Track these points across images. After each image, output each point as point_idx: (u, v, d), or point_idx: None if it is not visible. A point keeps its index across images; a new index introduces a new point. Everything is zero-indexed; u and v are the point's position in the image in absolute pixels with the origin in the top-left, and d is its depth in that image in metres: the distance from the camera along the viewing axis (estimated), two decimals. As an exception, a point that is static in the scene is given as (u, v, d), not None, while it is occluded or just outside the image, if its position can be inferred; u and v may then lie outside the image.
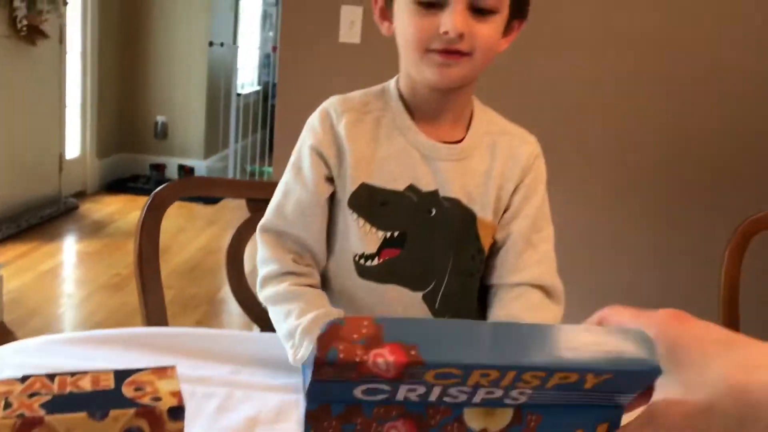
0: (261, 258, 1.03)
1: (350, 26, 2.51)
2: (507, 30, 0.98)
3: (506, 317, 0.97)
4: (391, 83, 1.06)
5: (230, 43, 5.83)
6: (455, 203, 1.01)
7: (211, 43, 5.39)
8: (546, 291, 1.01)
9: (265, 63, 7.02)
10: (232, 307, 3.17)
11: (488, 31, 0.94)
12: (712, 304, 1.47)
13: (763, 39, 2.50)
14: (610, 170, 2.63)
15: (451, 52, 0.93)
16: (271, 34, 7.05)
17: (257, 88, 6.80)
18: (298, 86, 2.58)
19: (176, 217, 4.51)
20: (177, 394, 0.42)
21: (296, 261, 1.02)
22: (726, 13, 2.48)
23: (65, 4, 4.24)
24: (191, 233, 4.29)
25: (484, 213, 1.02)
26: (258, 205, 1.30)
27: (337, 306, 1.07)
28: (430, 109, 1.02)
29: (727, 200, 2.57)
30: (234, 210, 4.63)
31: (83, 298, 3.29)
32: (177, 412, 0.41)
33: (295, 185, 1.03)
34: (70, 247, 4.04)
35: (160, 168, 5.29)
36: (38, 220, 4.16)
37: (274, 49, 5.77)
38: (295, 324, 0.93)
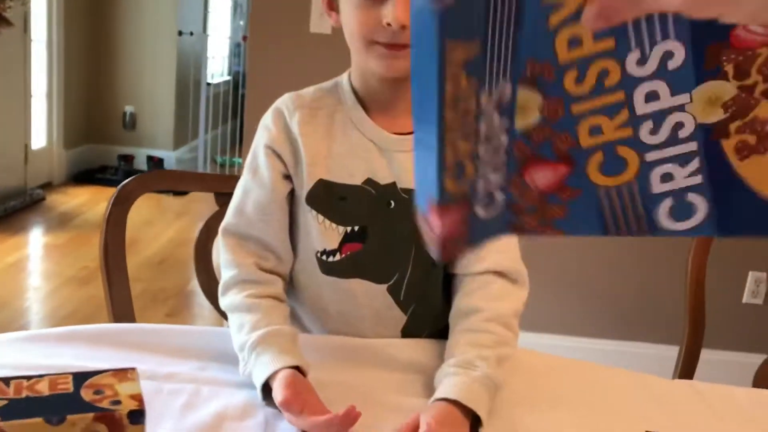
0: (223, 261, 1.02)
1: (321, 16, 2.49)
2: None
3: (468, 307, 0.98)
4: (344, 77, 1.05)
5: (200, 32, 5.75)
6: (414, 194, 1.01)
7: (180, 33, 5.32)
8: (509, 277, 1.01)
9: (236, 52, 6.94)
10: (202, 300, 3.14)
11: None
12: (680, 287, 1.51)
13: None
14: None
15: (396, 44, 0.92)
16: (241, 23, 6.97)
17: (227, 78, 6.73)
18: (268, 76, 2.56)
19: (145, 208, 4.46)
20: (137, 397, 0.41)
21: (258, 266, 1.01)
22: None
23: (29, -9, 4.16)
24: (160, 225, 4.24)
25: None
26: (226, 199, 1.28)
27: (303, 303, 1.07)
28: (383, 101, 1.01)
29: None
30: (203, 201, 4.58)
31: (50, 291, 3.24)
32: (137, 416, 0.40)
33: (253, 185, 1.02)
34: (36, 240, 3.98)
35: (128, 159, 5.21)
36: (3, 212, 4.08)
37: (245, 38, 5.71)
38: (245, 339, 0.92)
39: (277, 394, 0.83)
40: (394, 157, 1.00)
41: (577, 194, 0.46)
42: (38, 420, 0.38)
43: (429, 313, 1.05)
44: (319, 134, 1.01)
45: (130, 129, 5.40)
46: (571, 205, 0.47)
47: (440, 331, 1.03)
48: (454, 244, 0.45)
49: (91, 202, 4.60)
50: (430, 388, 0.91)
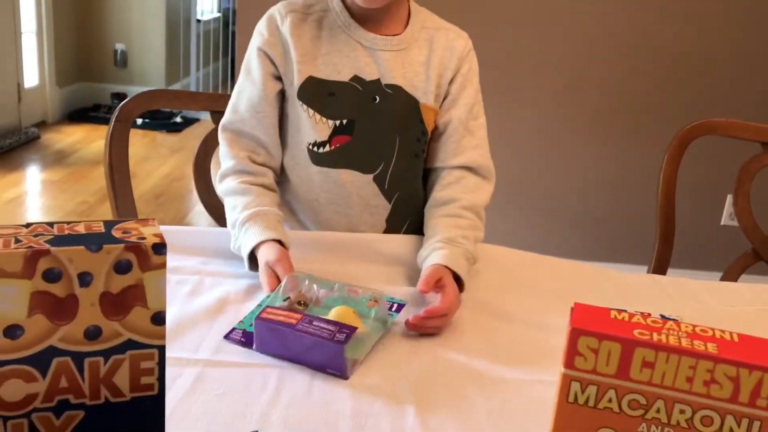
0: (221, 154, 1.14)
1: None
2: None
3: (447, 197, 1.09)
4: None
5: (188, -33, 5.69)
6: (398, 90, 1.10)
7: (168, -32, 5.27)
8: (481, 172, 1.13)
9: (225, -11, 6.87)
10: (200, 231, 3.23)
11: None
12: (651, 206, 1.58)
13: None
14: (557, 83, 2.72)
15: None
16: (230, -41, 6.88)
17: (217, 14, 6.68)
18: (258, 11, 2.58)
19: (140, 145, 4.51)
20: (159, 236, 0.50)
21: (251, 159, 1.11)
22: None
23: (15, -74, 4.11)
24: (156, 161, 4.30)
25: (426, 99, 1.12)
26: (221, 117, 1.36)
27: (297, 196, 1.16)
28: (368, 11, 1.09)
29: (671, 110, 2.69)
30: (198, 138, 4.61)
31: (50, 224, 3.32)
32: (160, 248, 0.49)
33: (246, 84, 1.12)
34: (33, 177, 4.04)
35: (121, 97, 5.22)
36: (-1, 150, 4.13)
37: (234, -26, 5.66)
38: (237, 216, 1.04)
39: (266, 255, 0.96)
40: (379, 55, 1.10)
41: None
42: (80, 248, 0.47)
43: (411, 203, 1.15)
44: (308, 36, 1.10)
45: (121, 67, 5.40)
46: None
47: (420, 224, 1.13)
48: None
49: (86, 139, 4.64)
50: (411, 279, 1.01)
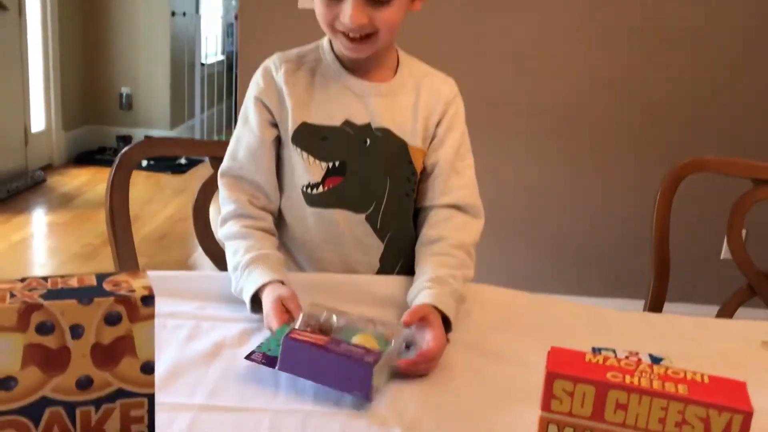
0: (221, 199, 1.17)
1: (308, -7, 2.58)
2: None
3: (436, 236, 1.13)
4: (324, 40, 1.19)
5: (193, 12, 5.82)
6: (387, 133, 1.15)
7: (173, 13, 5.38)
8: (469, 210, 1.16)
9: (229, 32, 7.00)
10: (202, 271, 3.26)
11: (388, 14, 1.05)
12: (645, 246, 1.60)
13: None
14: (552, 120, 2.75)
15: (356, 37, 1.06)
16: (233, 2, 7.02)
17: (221, 57, 6.79)
18: (259, 54, 2.64)
19: (144, 186, 4.56)
20: (148, 288, 0.52)
21: (251, 203, 1.15)
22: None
23: (23, -25, 4.22)
24: (160, 203, 4.34)
25: (414, 140, 1.16)
26: (220, 163, 1.39)
27: (294, 238, 1.20)
28: (356, 62, 1.14)
29: (661, 149, 2.73)
30: (201, 179, 4.65)
31: (55, 267, 3.35)
32: (148, 300, 0.51)
33: (244, 132, 1.17)
34: (40, 219, 4.08)
35: (126, 139, 5.30)
36: (6, 193, 4.18)
37: (237, 17, 5.78)
38: (239, 260, 1.06)
39: (276, 292, 0.98)
40: (369, 101, 1.15)
41: None
42: (73, 301, 0.49)
43: (403, 242, 1.18)
44: (301, 84, 1.15)
45: (126, 110, 5.48)
46: None
47: (413, 263, 1.16)
48: None
49: (92, 182, 4.70)
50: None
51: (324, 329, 0.91)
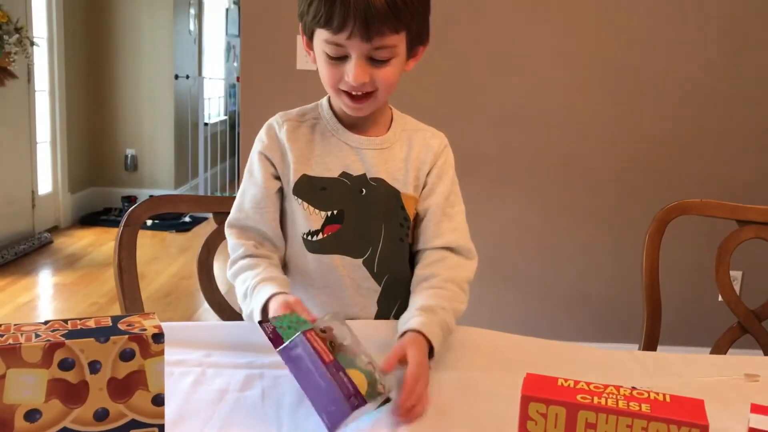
0: (229, 247, 1.24)
1: (306, 54, 2.68)
2: (412, 54, 1.18)
3: (430, 273, 1.19)
4: (323, 100, 1.29)
5: (195, 75, 5.98)
6: (381, 183, 1.23)
7: (177, 76, 5.54)
8: (461, 252, 1.23)
9: (231, 93, 7.18)
10: (208, 327, 3.28)
11: (387, 73, 1.14)
12: (636, 290, 1.64)
13: (678, 43, 2.73)
14: (544, 170, 2.83)
15: (358, 95, 1.14)
16: (235, 64, 7.22)
17: (224, 117, 6.95)
18: (260, 113, 2.73)
19: (149, 246, 4.63)
20: (158, 327, 0.58)
21: (257, 247, 1.22)
22: (643, 23, 2.71)
23: (32, 45, 4.37)
24: (165, 261, 4.40)
25: (405, 188, 1.24)
26: (223, 218, 1.45)
27: (294, 283, 1.25)
28: (354, 120, 1.23)
29: (648, 195, 2.79)
30: (205, 237, 4.74)
31: (62, 326, 3.38)
32: (158, 337, 0.57)
33: (249, 185, 1.25)
34: (46, 280, 4.13)
35: (131, 200, 5.39)
36: (13, 255, 4.24)
37: (239, 79, 5.94)
38: (247, 284, 1.13)
39: (280, 300, 1.03)
40: (364, 154, 1.23)
41: None
42: (91, 339, 0.55)
43: (400, 285, 1.24)
44: (302, 140, 1.24)
45: (132, 171, 5.60)
46: None
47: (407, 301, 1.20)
48: None
49: (97, 242, 4.77)
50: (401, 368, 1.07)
51: (333, 343, 0.93)
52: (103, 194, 5.52)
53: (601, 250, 2.87)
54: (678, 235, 1.62)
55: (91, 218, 5.23)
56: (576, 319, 2.91)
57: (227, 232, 1.25)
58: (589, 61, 2.75)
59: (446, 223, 1.23)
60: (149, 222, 4.94)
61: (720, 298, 2.85)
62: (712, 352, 1.56)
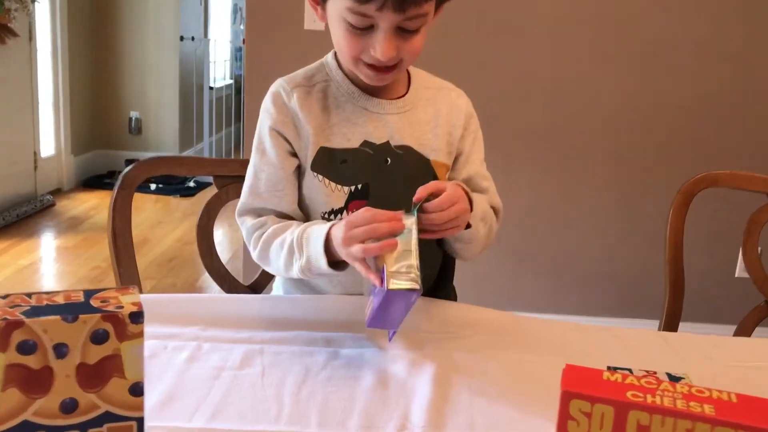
0: (246, 234, 1.12)
1: (314, 13, 2.57)
2: (437, 12, 1.06)
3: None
4: (328, 57, 1.15)
5: (201, 37, 5.85)
6: (408, 150, 1.11)
7: (182, 38, 5.42)
8: (498, 212, 1.18)
9: (237, 56, 7.04)
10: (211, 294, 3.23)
11: (416, 42, 1.02)
12: (656, 266, 1.56)
13: (700, 10, 2.61)
14: (564, 139, 2.73)
15: (381, 67, 1.02)
16: (242, 27, 7.06)
17: (229, 81, 6.83)
18: (266, 76, 2.63)
19: (153, 210, 4.56)
20: (137, 304, 0.49)
21: (279, 219, 1.11)
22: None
23: (33, 1, 4.25)
24: (169, 226, 4.33)
25: (436, 156, 1.13)
26: (225, 181, 1.37)
27: None
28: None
29: (673, 167, 2.69)
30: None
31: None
32: (137, 316, 0.48)
33: (263, 165, 1.11)
34: (48, 243, 4.07)
35: (135, 163, 5.32)
36: (15, 217, 4.18)
37: (245, 42, 5.81)
38: (289, 242, 1.02)
39: (346, 218, 0.97)
40: (386, 119, 1.11)
41: None
42: (56, 318, 0.47)
43: (430, 257, 1.14)
44: (317, 108, 1.10)
45: (135, 134, 5.51)
46: None
47: (437, 279, 1.15)
48: None
49: (100, 206, 4.70)
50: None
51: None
52: (107, 157, 5.44)
53: (623, 221, 2.78)
54: (703, 206, 1.53)
55: (95, 181, 5.16)
56: (594, 295, 2.82)
57: (240, 220, 1.13)
58: (614, 24, 2.63)
59: (486, 185, 1.18)
60: (153, 186, 4.87)
61: (737, 274, 2.79)
62: (736, 332, 1.48)
